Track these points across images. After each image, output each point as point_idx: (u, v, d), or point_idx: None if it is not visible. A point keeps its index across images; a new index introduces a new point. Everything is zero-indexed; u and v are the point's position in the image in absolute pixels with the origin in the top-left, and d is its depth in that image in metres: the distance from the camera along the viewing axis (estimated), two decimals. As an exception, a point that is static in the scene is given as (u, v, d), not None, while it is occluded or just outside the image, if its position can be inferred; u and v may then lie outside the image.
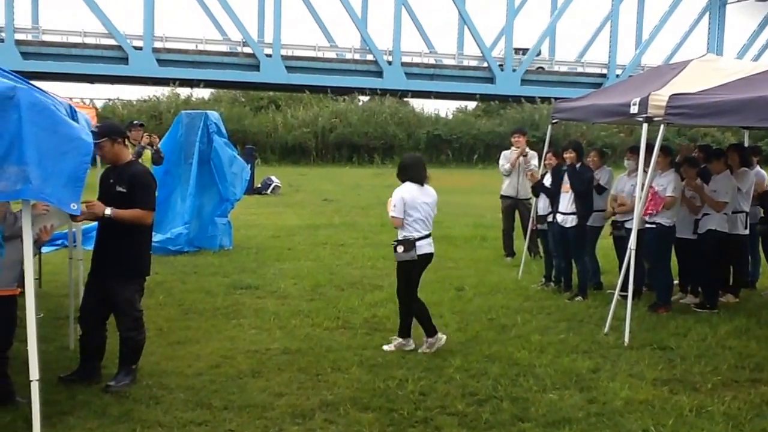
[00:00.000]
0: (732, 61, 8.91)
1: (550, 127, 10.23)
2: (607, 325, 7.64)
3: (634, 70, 43.49)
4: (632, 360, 6.71)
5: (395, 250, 6.78)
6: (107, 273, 5.80)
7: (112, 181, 5.75)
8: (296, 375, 6.22)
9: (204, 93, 42.53)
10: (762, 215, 9.59)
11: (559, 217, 9.11)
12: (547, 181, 9.55)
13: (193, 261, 11.15)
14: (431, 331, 6.94)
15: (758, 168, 9.77)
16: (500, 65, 43.09)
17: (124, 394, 5.66)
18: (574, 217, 8.97)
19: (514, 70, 43.32)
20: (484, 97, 43.21)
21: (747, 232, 9.09)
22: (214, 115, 12.58)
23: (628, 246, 7.54)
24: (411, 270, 6.88)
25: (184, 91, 39.53)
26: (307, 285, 9.66)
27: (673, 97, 7.03)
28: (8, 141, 3.72)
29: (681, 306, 8.83)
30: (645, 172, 7.65)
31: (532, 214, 10.39)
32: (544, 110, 39.01)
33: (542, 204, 9.71)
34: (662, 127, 7.36)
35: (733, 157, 9.05)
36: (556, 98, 39.95)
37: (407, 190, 6.83)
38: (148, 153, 11.02)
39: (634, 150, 9.17)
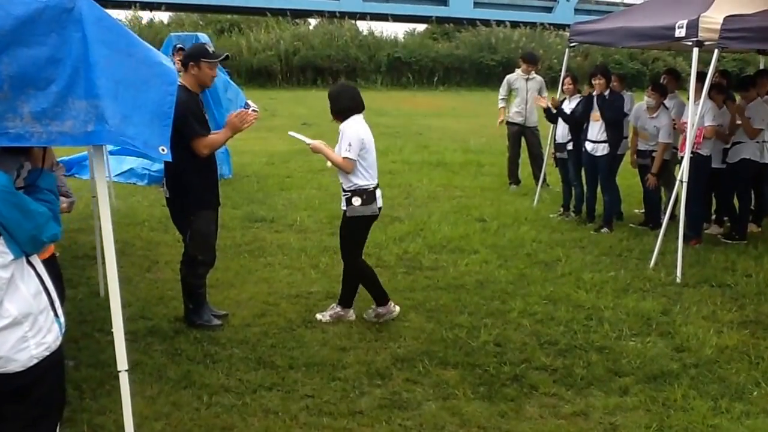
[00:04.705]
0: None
1: (567, 51, 9.31)
2: (653, 260, 6.97)
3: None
4: (695, 299, 6.06)
5: (349, 203, 5.18)
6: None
7: None
8: (351, 324, 5.42)
9: (164, 17, 39.89)
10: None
11: (589, 146, 8.28)
12: (566, 107, 8.70)
13: (194, 191, 10.07)
14: (382, 299, 5.48)
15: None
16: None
17: (176, 351, 4.80)
18: (606, 145, 8.17)
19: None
20: (439, 20, 41.57)
21: (770, 160, 8.46)
22: (204, 37, 11.23)
23: (678, 179, 6.79)
24: (365, 227, 5.36)
25: (145, 15, 36.99)
26: (322, 217, 8.75)
27: (729, 18, 6.16)
28: (71, 67, 2.60)
29: (707, 237, 8.20)
30: (696, 102, 6.83)
31: (548, 142, 9.53)
32: (500, 33, 37.72)
33: (561, 132, 8.87)
34: (716, 51, 6.52)
35: (764, 84, 8.29)
36: (510, 21, 38.66)
37: (362, 126, 5.22)
38: None
39: (656, 88, 8.27)
